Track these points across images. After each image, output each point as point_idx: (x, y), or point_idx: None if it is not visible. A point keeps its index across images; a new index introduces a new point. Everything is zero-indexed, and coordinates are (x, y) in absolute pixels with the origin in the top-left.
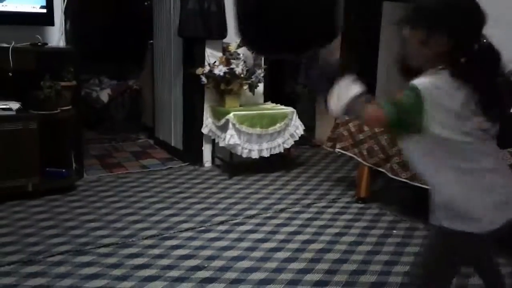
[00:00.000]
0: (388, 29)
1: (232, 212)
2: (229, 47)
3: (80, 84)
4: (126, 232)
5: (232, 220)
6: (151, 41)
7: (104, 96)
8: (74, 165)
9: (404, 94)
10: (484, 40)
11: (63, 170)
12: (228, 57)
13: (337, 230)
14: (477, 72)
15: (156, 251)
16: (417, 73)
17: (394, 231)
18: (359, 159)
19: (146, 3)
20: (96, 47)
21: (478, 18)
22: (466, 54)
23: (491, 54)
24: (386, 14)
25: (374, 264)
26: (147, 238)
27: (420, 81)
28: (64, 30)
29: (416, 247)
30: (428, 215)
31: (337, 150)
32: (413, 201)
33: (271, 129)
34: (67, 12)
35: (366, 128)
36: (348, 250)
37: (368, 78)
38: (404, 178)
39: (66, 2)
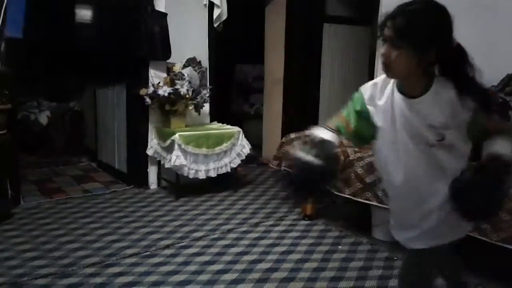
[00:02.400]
0: (329, 49)
1: (179, 235)
2: (174, 67)
3: (17, 107)
4: (65, 261)
5: (178, 243)
6: None
7: (43, 118)
8: (10, 192)
9: None
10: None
11: None
12: (173, 78)
13: (284, 248)
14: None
15: (98, 280)
16: None
17: (339, 247)
18: None
19: None
20: (35, 68)
21: (451, 25)
22: (442, 60)
23: (462, 52)
24: (326, 35)
25: (320, 281)
26: (88, 266)
27: None
28: None
29: (360, 262)
30: (371, 229)
31: (283, 168)
32: (356, 216)
33: (217, 149)
34: (1, 33)
35: None
36: (295, 268)
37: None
38: (347, 194)
39: (1, 22)
